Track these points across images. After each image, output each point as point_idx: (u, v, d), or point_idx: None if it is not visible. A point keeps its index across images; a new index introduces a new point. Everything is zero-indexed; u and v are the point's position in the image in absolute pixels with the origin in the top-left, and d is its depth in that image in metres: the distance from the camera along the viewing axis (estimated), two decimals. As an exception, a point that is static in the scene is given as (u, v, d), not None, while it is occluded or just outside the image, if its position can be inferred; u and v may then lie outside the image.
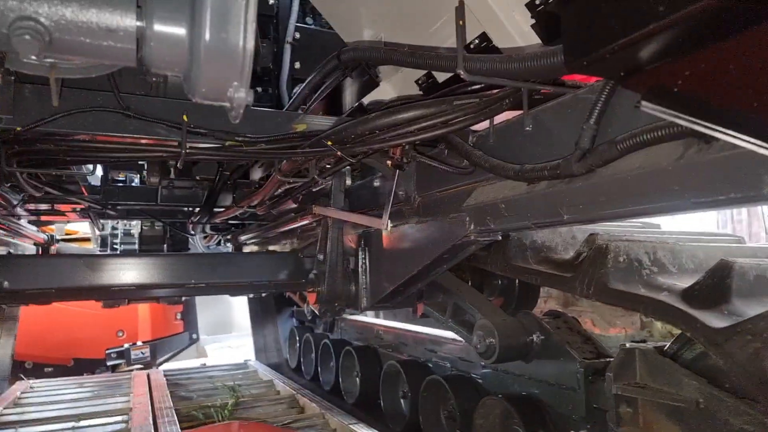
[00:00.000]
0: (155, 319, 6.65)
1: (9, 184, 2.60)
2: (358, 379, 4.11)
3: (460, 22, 1.27)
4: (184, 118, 1.76)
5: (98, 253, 5.36)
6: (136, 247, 5.32)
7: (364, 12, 1.93)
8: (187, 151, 1.79)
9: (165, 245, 5.27)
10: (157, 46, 0.90)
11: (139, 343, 6.51)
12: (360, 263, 2.65)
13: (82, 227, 7.00)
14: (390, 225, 2.08)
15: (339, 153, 1.65)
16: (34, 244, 4.72)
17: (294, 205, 3.15)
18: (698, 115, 0.91)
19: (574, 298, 3.67)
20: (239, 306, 7.10)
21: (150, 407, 3.51)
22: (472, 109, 1.55)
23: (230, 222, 4.51)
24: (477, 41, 1.59)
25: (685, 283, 1.53)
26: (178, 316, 6.87)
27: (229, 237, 5.20)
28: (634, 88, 0.99)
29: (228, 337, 7.91)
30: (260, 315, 6.21)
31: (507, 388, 2.74)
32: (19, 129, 1.66)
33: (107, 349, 6.32)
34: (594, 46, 0.93)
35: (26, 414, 3.63)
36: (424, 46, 1.64)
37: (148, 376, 4.73)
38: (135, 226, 5.25)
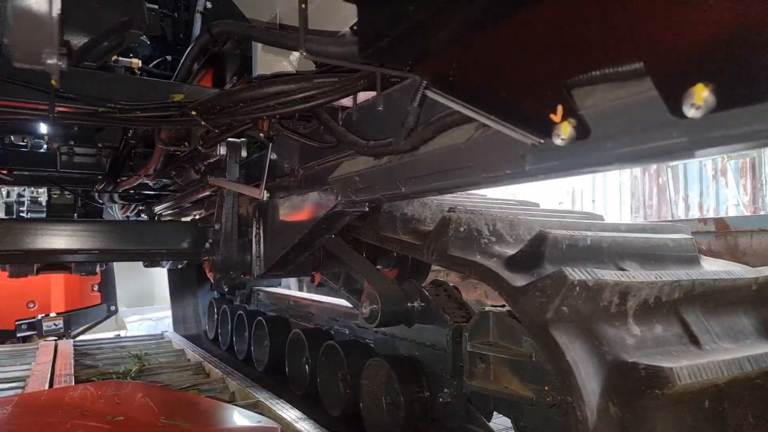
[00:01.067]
0: (69, 291, 6.46)
1: None
2: (267, 348, 4.23)
3: (303, 5, 1.37)
4: (53, 81, 1.77)
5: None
6: (44, 215, 5.15)
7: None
8: (56, 115, 1.81)
9: (75, 214, 5.14)
10: (-31, 12, 0.95)
11: (52, 314, 6.32)
12: (254, 233, 2.74)
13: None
14: (267, 195, 2.18)
15: (203, 122, 1.73)
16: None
17: (197, 177, 3.18)
18: (468, 101, 1.07)
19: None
20: (161, 278, 7.01)
21: (49, 374, 3.49)
22: (330, 87, 1.66)
23: (145, 192, 4.47)
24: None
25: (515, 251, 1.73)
26: (95, 288, 6.70)
27: (142, 207, 5.13)
28: (422, 76, 1.13)
29: (150, 310, 7.81)
30: (180, 287, 6.18)
31: (394, 351, 2.94)
32: None
33: (17, 320, 6.10)
34: (380, 37, 1.06)
35: None
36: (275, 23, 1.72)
37: (56, 346, 4.65)
38: (42, 194, 5.08)
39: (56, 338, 6.40)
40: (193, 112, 1.71)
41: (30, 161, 3.46)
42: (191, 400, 2.38)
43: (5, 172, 3.47)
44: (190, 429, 1.83)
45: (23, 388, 3.27)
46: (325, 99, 1.69)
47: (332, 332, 3.62)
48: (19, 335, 6.16)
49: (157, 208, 4.83)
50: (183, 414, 2.00)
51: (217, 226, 2.85)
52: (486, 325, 2.22)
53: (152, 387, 2.68)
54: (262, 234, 2.76)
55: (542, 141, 0.99)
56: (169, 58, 3.50)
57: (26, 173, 3.56)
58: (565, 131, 0.92)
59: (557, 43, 0.86)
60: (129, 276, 7.27)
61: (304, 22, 1.40)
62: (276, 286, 5.34)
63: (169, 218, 4.89)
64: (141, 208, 5.10)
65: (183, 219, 4.66)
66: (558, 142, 0.92)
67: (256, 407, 2.81)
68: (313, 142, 1.89)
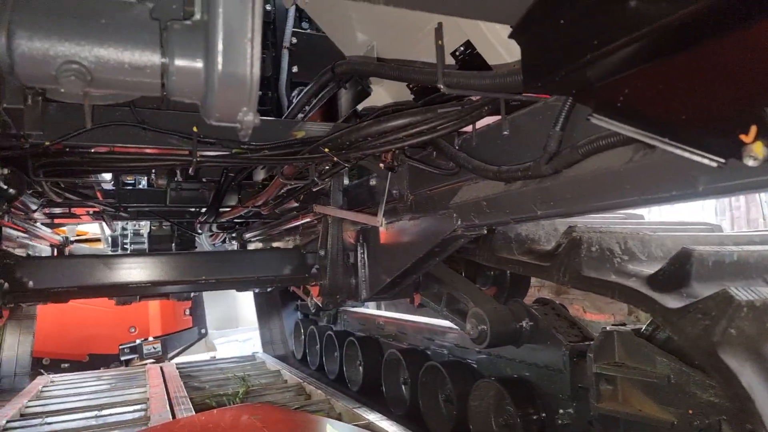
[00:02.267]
0: (165, 316, 6.86)
1: (30, 191, 2.79)
2: (361, 367, 4.29)
3: (439, 42, 1.43)
4: (194, 129, 1.92)
5: (113, 253, 5.56)
6: (146, 246, 5.51)
7: (355, 19, 2.08)
8: (198, 159, 1.96)
9: (173, 244, 5.48)
10: (178, 78, 1.06)
11: (150, 338, 6.72)
12: (359, 257, 2.82)
13: (92, 228, 7.20)
14: (385, 222, 2.25)
15: (335, 159, 1.82)
16: (50, 245, 4.92)
17: (295, 204, 3.33)
18: (637, 126, 1.08)
19: (567, 287, 3.83)
20: (245, 302, 7.29)
21: (166, 396, 3.70)
22: (455, 116, 1.71)
23: (235, 221, 4.70)
24: (462, 48, 1.75)
25: (652, 269, 1.70)
26: (187, 312, 7.07)
27: (234, 235, 5.40)
28: (585, 103, 1.15)
29: (235, 332, 8.12)
30: (266, 309, 6.40)
31: (500, 371, 2.92)
32: (47, 143, 1.83)
33: (121, 345, 6.53)
34: (546, 70, 1.09)
35: (50, 405, 3.82)
36: (409, 60, 1.79)
37: (162, 369, 4.94)
38: (144, 227, 5.44)
39: (154, 360, 6.80)
40: (326, 149, 1.81)
41: (142, 198, 3.73)
42: (320, 422, 2.46)
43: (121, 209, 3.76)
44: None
45: (146, 409, 3.49)
46: (449, 129, 1.74)
47: (428, 352, 3.64)
48: (122, 358, 6.58)
49: (247, 236, 5.07)
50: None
51: (322, 252, 2.96)
52: (611, 345, 2.17)
53: (281, 410, 2.80)
54: (366, 259, 2.84)
55: (725, 162, 0.98)
56: (259, 93, 3.70)
57: (139, 209, 3.84)
58: (759, 151, 0.91)
59: (757, 67, 0.86)
60: (215, 301, 7.62)
61: (442, 58, 1.46)
62: (358, 307, 5.43)
63: (259, 245, 5.12)
64: (232, 236, 5.37)
65: (273, 245, 4.86)
66: (750, 162, 0.91)
67: (369, 429, 2.86)
68: (437, 170, 1.94)
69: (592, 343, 2.30)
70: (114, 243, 5.77)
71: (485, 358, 3.08)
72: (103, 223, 5.78)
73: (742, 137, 0.92)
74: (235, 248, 5.77)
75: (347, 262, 2.94)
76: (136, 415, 3.39)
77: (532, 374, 2.69)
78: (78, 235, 6.71)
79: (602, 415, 2.22)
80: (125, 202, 3.61)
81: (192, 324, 7.16)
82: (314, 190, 2.92)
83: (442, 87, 1.46)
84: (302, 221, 3.47)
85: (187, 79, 1.07)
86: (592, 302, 3.70)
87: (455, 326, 3.03)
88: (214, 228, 4.78)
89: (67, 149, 2.03)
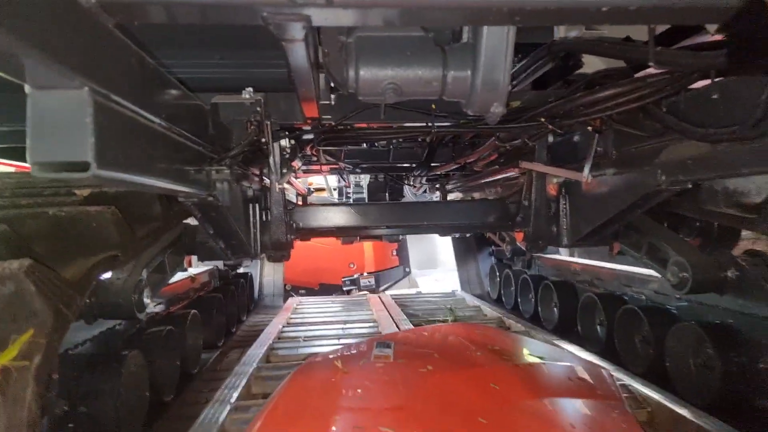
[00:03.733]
0: (377, 255, 8.03)
1: (300, 155, 3.72)
2: (556, 309, 4.67)
3: (651, 26, 1.69)
4: (433, 106, 2.47)
5: (339, 201, 6.70)
6: (365, 195, 6.54)
7: None
8: (436, 130, 2.52)
9: (386, 193, 6.40)
10: (452, 85, 1.58)
11: (365, 273, 7.96)
12: (561, 208, 3.17)
13: (316, 180, 8.63)
14: (590, 177, 2.55)
15: (551, 127, 2.20)
16: (297, 194, 6.20)
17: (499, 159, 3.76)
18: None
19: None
20: (443, 246, 8.06)
21: (391, 319, 4.59)
22: (664, 84, 1.95)
23: (440, 175, 5.33)
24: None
25: None
26: (394, 253, 8.13)
27: (437, 186, 6.08)
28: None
29: (434, 272, 9.08)
30: (463, 253, 7.07)
31: (700, 317, 3.05)
32: (333, 123, 2.57)
33: (343, 277, 7.89)
34: (752, 57, 1.34)
35: (306, 318, 5.02)
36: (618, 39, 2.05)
37: (380, 297, 5.96)
38: (363, 179, 6.44)
39: (368, 292, 8.05)
40: (542, 119, 2.20)
41: (372, 156, 4.55)
42: (525, 340, 2.96)
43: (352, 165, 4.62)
44: (546, 363, 2.38)
45: (378, 326, 4.40)
46: (657, 96, 1.98)
47: (626, 297, 3.85)
48: (344, 289, 7.95)
49: (449, 187, 5.68)
50: (528, 350, 2.59)
51: (526, 203, 3.37)
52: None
53: (492, 328, 3.37)
54: (568, 209, 3.17)
55: None
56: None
57: (367, 166, 4.68)
58: None
59: None
60: (418, 243, 8.59)
61: (653, 38, 1.72)
62: (551, 253, 5.70)
63: (459, 195, 5.70)
64: (435, 186, 6.05)
65: (474, 195, 5.39)
66: None
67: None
68: (643, 132, 2.19)
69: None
70: (340, 192, 6.95)
71: (685, 305, 3.22)
72: (329, 176, 6.96)
73: None
74: (436, 198, 6.48)
75: (549, 212, 3.30)
76: (372, 329, 4.31)
77: (736, 321, 2.79)
78: (309, 186, 8.14)
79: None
80: (358, 159, 4.46)
81: (398, 263, 8.24)
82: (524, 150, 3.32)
83: (653, 65, 1.73)
84: (504, 175, 3.90)
85: (458, 85, 1.58)
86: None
87: (655, 273, 3.21)
88: (423, 181, 5.48)
89: (340, 127, 2.77)
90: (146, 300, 2.78)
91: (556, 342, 3.66)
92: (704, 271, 2.74)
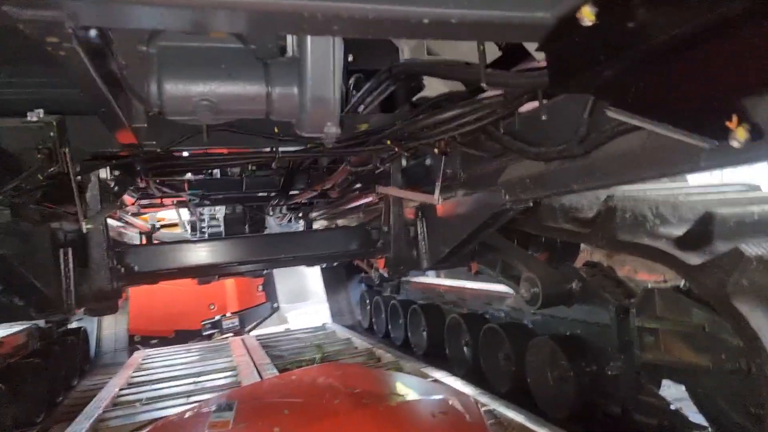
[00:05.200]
0: (241, 292, 7.49)
1: (132, 188, 3.27)
2: (424, 333, 4.66)
3: (481, 48, 1.68)
4: (276, 130, 2.27)
5: (192, 236, 6.15)
6: (222, 228, 6.08)
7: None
8: (280, 155, 2.32)
9: (246, 226, 6.02)
10: (279, 102, 1.39)
11: (228, 314, 7.38)
12: (419, 231, 3.13)
13: (167, 215, 7.90)
14: (441, 200, 2.53)
15: (397, 149, 2.12)
16: (140, 232, 5.54)
17: (358, 185, 3.67)
18: (646, 116, 1.32)
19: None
20: (312, 277, 7.81)
21: (252, 364, 4.21)
22: (498, 105, 1.97)
23: (301, 202, 5.13)
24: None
25: (682, 231, 1.91)
26: (260, 288, 7.67)
27: (300, 215, 5.85)
28: (602, 98, 1.39)
29: (304, 305, 8.74)
30: (333, 282, 6.88)
31: (554, 330, 3.18)
32: (159, 150, 2.24)
33: (202, 321, 7.23)
34: (569, 74, 1.34)
35: (152, 375, 4.42)
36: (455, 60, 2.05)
37: (243, 341, 5.51)
38: (219, 211, 5.99)
39: (233, 334, 7.47)
40: (388, 141, 2.11)
41: (222, 187, 4.20)
42: (389, 376, 2.82)
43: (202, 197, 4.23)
44: (409, 400, 2.24)
45: (237, 375, 4.00)
46: (494, 116, 1.99)
47: (487, 316, 3.93)
48: (204, 333, 7.28)
49: (313, 215, 5.50)
50: (390, 388, 2.44)
51: (385, 228, 3.29)
52: (652, 301, 2.39)
53: (356, 366, 3.18)
54: (426, 232, 3.15)
55: (717, 143, 1.21)
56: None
57: (220, 196, 4.31)
58: (741, 135, 1.14)
59: (737, 68, 1.09)
60: (286, 276, 8.21)
61: (483, 60, 1.71)
62: (418, 276, 5.76)
63: (324, 223, 5.54)
64: (298, 216, 5.82)
65: (338, 222, 5.26)
66: (735, 144, 1.15)
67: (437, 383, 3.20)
68: (484, 153, 2.20)
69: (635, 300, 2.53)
70: (193, 227, 6.37)
71: (540, 319, 3.35)
72: (181, 210, 6.39)
73: (728, 123, 1.16)
74: (301, 227, 6.24)
75: (409, 236, 3.25)
76: (229, 380, 3.90)
77: (583, 331, 2.94)
78: (158, 221, 7.40)
79: (646, 364, 2.46)
80: (208, 191, 4.08)
81: (265, 299, 7.77)
82: (375, 172, 3.24)
83: (484, 85, 1.72)
84: (364, 200, 3.81)
85: (285, 103, 1.40)
86: (643, 263, 3.84)
87: (509, 290, 3.30)
88: (284, 210, 5.22)
89: (171, 153, 2.44)
90: None
91: (423, 369, 3.59)
92: (552, 285, 2.85)
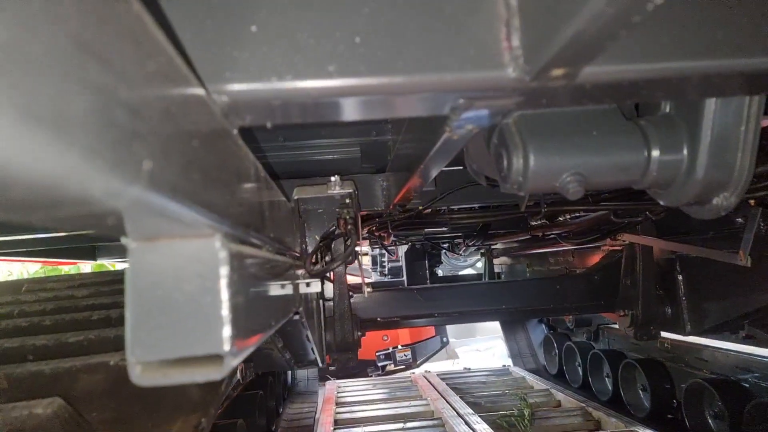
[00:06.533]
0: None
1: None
2: (641, 392, 4.08)
3: None
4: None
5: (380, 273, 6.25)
6: (402, 264, 6.11)
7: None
8: (545, 210, 2.09)
9: (426, 261, 5.97)
10: (657, 171, 1.15)
11: (400, 346, 7.35)
12: (680, 289, 2.69)
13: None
14: (750, 260, 2.08)
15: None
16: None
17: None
18: None
19: None
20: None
21: (453, 411, 4.00)
22: None
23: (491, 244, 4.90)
24: None
25: None
26: (431, 322, 7.56)
27: (482, 251, 5.63)
28: None
29: (473, 341, 8.45)
30: (510, 322, 6.50)
31: None
32: (421, 208, 2.15)
33: (377, 351, 7.28)
34: None
35: (355, 411, 4.41)
36: None
37: (427, 378, 5.36)
38: (400, 247, 6.02)
39: (404, 367, 7.42)
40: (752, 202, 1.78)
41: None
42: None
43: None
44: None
45: (443, 425, 3.81)
46: None
47: (746, 385, 3.27)
48: (378, 364, 7.32)
49: (496, 251, 5.25)
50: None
51: (628, 281, 2.90)
52: None
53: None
54: (686, 289, 2.69)
55: None
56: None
57: (430, 236, 4.27)
58: None
59: None
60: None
61: None
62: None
63: (507, 261, 5.23)
64: (481, 252, 5.61)
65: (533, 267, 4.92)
66: None
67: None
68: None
69: None
70: (374, 261, 6.50)
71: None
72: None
73: None
74: (471, 261, 6.00)
75: (657, 292, 2.83)
76: (438, 430, 3.73)
77: None
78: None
79: None
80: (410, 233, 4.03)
81: (435, 333, 7.63)
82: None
83: None
84: (584, 246, 3.45)
85: (666, 170, 1.15)
86: None
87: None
88: (473, 249, 5.04)
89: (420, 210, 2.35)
90: None
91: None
92: None
